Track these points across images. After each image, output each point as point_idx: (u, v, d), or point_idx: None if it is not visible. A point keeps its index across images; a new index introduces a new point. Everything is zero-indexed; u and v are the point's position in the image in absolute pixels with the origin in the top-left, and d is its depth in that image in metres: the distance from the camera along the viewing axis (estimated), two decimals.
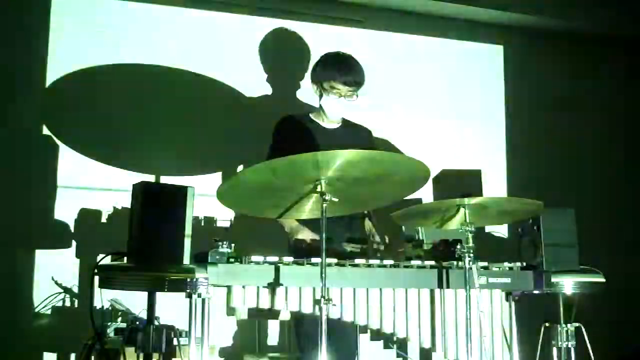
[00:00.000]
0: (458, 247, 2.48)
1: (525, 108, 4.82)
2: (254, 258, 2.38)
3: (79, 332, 2.94)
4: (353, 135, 3.15)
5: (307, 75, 3.21)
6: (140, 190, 2.36)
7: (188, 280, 2.24)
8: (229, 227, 3.55)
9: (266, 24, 4.24)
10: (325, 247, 2.17)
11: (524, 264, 2.81)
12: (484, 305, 2.67)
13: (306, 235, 2.90)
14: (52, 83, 3.79)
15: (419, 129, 4.47)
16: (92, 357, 2.79)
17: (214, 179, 3.91)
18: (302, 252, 2.63)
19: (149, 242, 2.29)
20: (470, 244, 2.45)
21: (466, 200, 2.44)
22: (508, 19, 4.77)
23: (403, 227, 2.95)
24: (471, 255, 2.44)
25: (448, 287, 2.61)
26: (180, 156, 3.96)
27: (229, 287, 2.38)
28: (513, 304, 2.78)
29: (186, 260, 2.28)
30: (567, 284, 2.81)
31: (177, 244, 2.27)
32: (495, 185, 4.61)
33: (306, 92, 3.63)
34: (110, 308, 3.15)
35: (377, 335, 2.76)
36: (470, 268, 2.43)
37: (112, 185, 3.69)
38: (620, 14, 4.89)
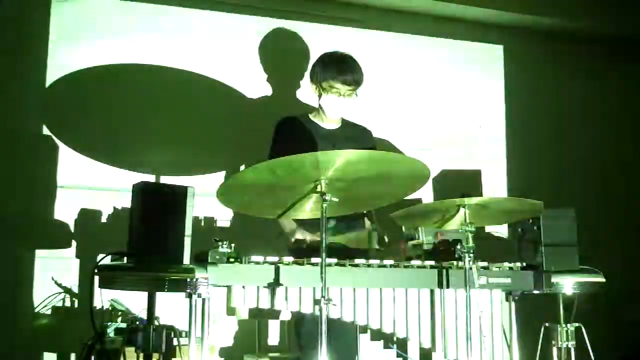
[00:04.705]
0: (458, 247, 2.48)
1: (525, 108, 4.82)
2: (254, 258, 2.38)
3: (79, 332, 2.94)
4: (353, 135, 3.15)
5: (307, 75, 3.21)
6: (140, 190, 2.36)
7: (188, 280, 2.24)
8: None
9: (266, 24, 4.24)
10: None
11: (524, 264, 2.81)
12: (484, 305, 2.68)
13: (305, 235, 2.90)
14: (52, 83, 3.79)
15: (419, 129, 4.47)
16: (92, 357, 2.79)
17: (214, 179, 3.90)
18: (302, 252, 2.63)
19: (149, 242, 2.29)
20: (470, 244, 2.45)
21: (466, 200, 2.44)
22: (508, 19, 4.77)
23: (403, 227, 2.94)
24: (471, 255, 2.44)
25: (448, 287, 2.61)
26: (180, 156, 3.96)
27: (229, 287, 2.38)
28: (513, 304, 2.78)
29: (186, 260, 2.27)
30: (567, 284, 2.80)
31: (177, 244, 2.27)
32: (496, 185, 4.61)
33: (306, 92, 3.63)
34: (110, 308, 3.15)
35: (377, 335, 2.75)
36: (470, 268, 2.43)
37: (112, 185, 3.69)
38: (622, 14, 4.88)
